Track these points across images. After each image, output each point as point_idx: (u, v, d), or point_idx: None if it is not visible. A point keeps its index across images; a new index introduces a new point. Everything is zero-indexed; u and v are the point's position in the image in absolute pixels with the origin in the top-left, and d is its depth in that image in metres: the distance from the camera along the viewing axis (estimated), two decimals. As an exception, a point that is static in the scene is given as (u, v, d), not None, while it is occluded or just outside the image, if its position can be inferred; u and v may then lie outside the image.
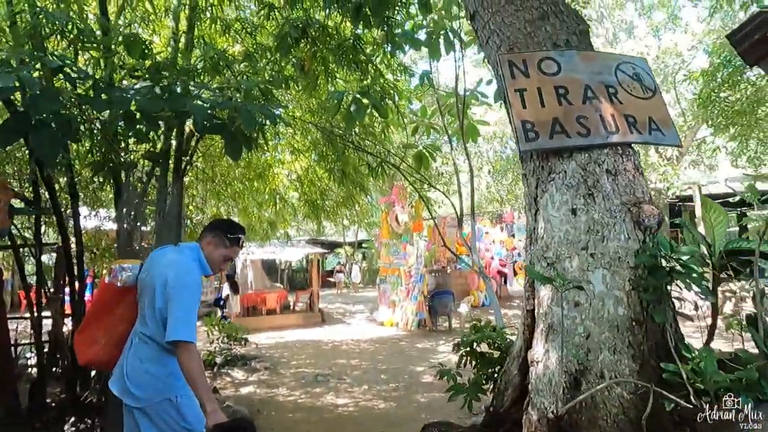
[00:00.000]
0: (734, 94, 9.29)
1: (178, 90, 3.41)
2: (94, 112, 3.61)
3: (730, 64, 8.81)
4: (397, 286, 12.81)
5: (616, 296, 2.25)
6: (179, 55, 4.32)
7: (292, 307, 14.22)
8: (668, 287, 2.21)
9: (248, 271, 14.04)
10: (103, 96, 3.00)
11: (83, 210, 6.10)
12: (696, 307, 2.28)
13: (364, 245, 26.71)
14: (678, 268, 2.17)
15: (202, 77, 4.29)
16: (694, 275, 2.14)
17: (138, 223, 4.70)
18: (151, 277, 2.18)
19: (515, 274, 16.54)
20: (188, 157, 5.57)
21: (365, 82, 5.16)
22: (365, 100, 3.24)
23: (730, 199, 11.49)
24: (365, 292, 22.22)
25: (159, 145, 5.04)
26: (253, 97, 3.80)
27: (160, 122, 4.49)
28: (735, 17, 14.63)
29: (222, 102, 3.18)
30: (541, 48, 2.73)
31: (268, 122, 3.48)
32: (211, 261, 2.36)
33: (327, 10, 4.32)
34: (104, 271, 4.66)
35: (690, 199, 13.12)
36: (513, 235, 16.64)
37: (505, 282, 16.35)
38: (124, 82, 4.33)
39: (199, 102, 3.13)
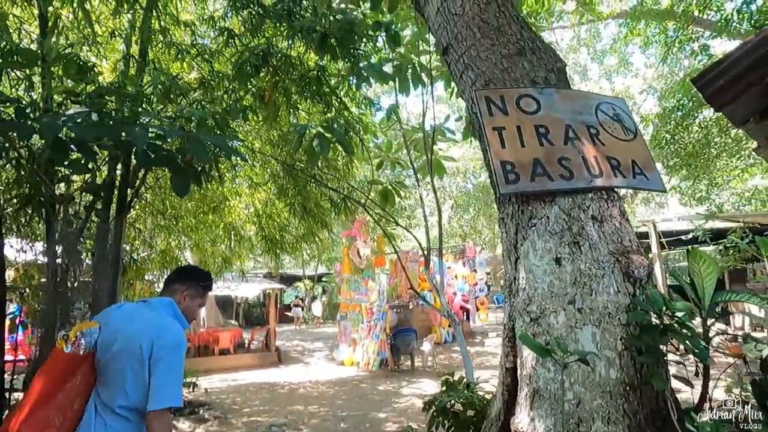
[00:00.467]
0: (687, 137, 9.66)
1: (123, 116, 3.08)
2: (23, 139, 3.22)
3: (683, 107, 9.17)
4: (358, 323, 12.39)
5: (607, 357, 2.03)
6: (128, 80, 3.98)
7: (247, 346, 13.50)
8: (664, 347, 2.01)
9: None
10: (30, 122, 2.65)
11: (15, 243, 5.52)
12: (697, 373, 2.08)
13: (323, 279, 26.09)
14: (674, 326, 1.98)
15: (153, 105, 3.96)
16: (692, 335, 1.95)
17: (71, 261, 4.23)
18: (128, 340, 1.90)
19: (477, 309, 16.39)
20: (135, 190, 5.17)
21: (329, 114, 4.95)
22: (329, 135, 2.99)
23: (683, 237, 11.86)
24: (324, 328, 21.57)
25: (103, 177, 4.63)
26: (207, 127, 3.50)
27: (102, 151, 4.11)
28: (680, 63, 15.51)
29: (170, 131, 2.86)
30: (519, 84, 2.57)
31: (222, 155, 3.19)
32: (188, 314, 2.19)
33: (290, 40, 4.10)
34: (58, 336, 4.11)
35: (645, 236, 13.45)
36: (475, 270, 16.56)
37: (468, 318, 16.15)
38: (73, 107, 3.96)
39: (147, 130, 2.80)
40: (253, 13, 4.10)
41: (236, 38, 4.06)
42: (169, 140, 3.01)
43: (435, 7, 2.92)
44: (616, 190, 2.41)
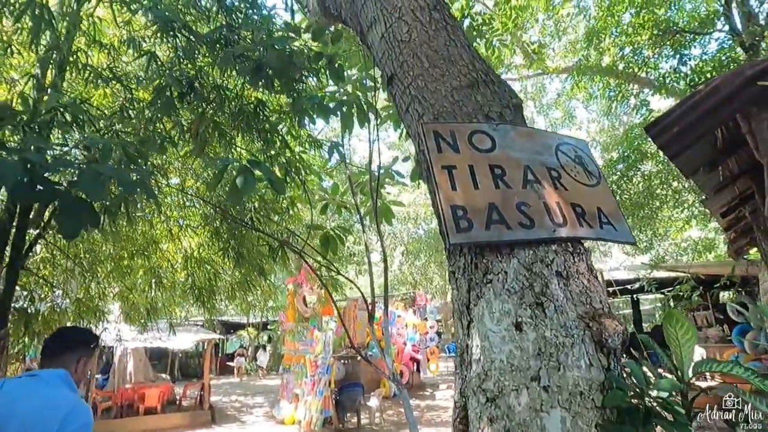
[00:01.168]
0: (631, 188, 9.90)
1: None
2: None
3: (627, 159, 9.42)
4: (301, 377, 11.56)
5: (581, 450, 1.63)
6: (23, 103, 3.43)
7: (178, 403, 12.29)
8: (647, 437, 1.65)
9: (128, 361, 12.08)
10: None
11: None
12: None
13: (269, 327, 24.84)
14: (658, 409, 1.62)
15: (54, 131, 3.43)
16: (681, 423, 1.59)
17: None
18: (27, 420, 1.66)
19: (428, 360, 15.85)
20: (39, 230, 4.52)
21: (271, 152, 4.56)
22: (256, 171, 2.56)
23: (629, 286, 12.02)
24: (267, 380, 20.30)
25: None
26: (115, 159, 3.00)
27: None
28: (620, 119, 16.29)
29: (55, 161, 2.36)
30: (471, 119, 2.26)
31: (125, 190, 2.70)
32: (82, 381, 2.03)
33: (222, 68, 3.71)
34: None
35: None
36: (426, 319, 16.13)
37: (418, 369, 15.56)
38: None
39: (24, 160, 2.29)
40: (180, 38, 3.71)
41: (161, 63, 3.62)
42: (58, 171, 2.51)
43: (379, 34, 2.62)
44: (582, 241, 2.10)
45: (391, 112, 4.88)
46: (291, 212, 5.64)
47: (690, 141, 3.90)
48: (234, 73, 4.05)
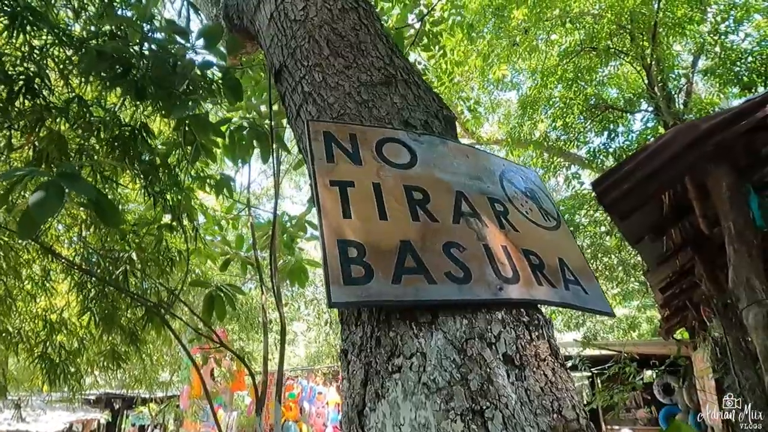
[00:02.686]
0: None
1: None
2: None
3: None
4: (198, 468, 9.86)
5: None
6: None
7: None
8: None
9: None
10: None
11: None
12: None
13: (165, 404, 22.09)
14: None
15: None
16: None
17: None
18: None
19: (349, 443, 14.32)
20: None
21: (155, 190, 3.68)
22: (64, 186, 1.69)
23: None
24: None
25: None
26: None
27: None
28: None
29: None
30: (385, 126, 1.57)
31: None
32: None
33: (83, 71, 2.89)
34: None
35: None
36: (350, 396, 14.75)
37: (338, 454, 13.98)
38: None
39: None
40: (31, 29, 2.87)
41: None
42: None
43: (267, 14, 1.94)
44: (539, 307, 1.38)
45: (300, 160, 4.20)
46: (173, 267, 4.63)
47: (640, 201, 3.46)
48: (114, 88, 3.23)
